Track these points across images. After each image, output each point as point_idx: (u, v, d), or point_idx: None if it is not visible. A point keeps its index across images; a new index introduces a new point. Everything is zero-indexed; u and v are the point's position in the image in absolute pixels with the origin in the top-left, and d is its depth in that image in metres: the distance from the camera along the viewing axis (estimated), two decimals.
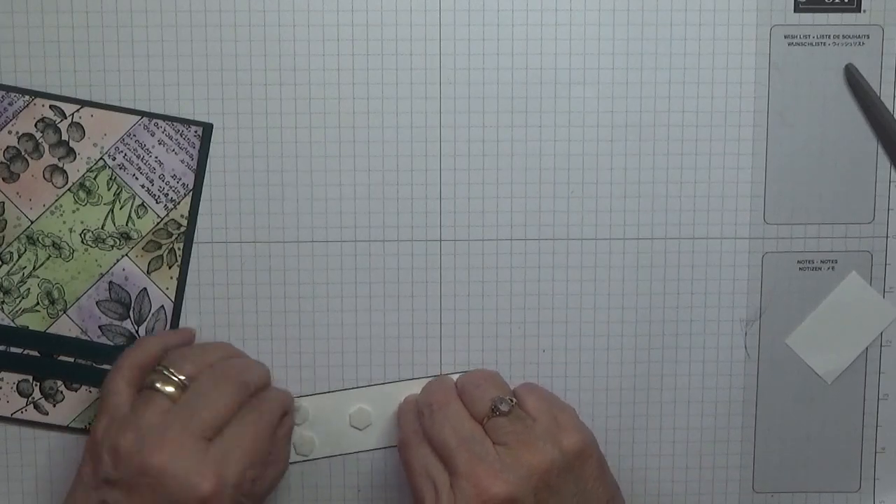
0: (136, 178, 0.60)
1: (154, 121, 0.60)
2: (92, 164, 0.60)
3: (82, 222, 0.61)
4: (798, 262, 0.62)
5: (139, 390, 0.56)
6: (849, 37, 0.60)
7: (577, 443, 0.55)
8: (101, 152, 0.60)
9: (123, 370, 0.57)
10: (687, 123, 0.61)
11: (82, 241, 0.61)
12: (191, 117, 0.60)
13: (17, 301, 0.61)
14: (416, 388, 0.62)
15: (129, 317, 0.61)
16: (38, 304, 0.61)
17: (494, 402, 0.56)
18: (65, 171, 0.60)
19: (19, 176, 0.60)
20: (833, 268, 0.62)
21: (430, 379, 0.62)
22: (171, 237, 0.61)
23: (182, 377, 0.55)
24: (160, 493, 0.52)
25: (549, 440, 0.55)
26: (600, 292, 0.62)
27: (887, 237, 0.62)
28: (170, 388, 0.55)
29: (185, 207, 0.61)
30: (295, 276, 0.61)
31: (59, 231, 0.60)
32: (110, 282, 0.61)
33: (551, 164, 0.61)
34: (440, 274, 0.62)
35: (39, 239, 0.60)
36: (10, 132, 0.60)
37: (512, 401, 0.56)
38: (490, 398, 0.56)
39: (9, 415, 0.62)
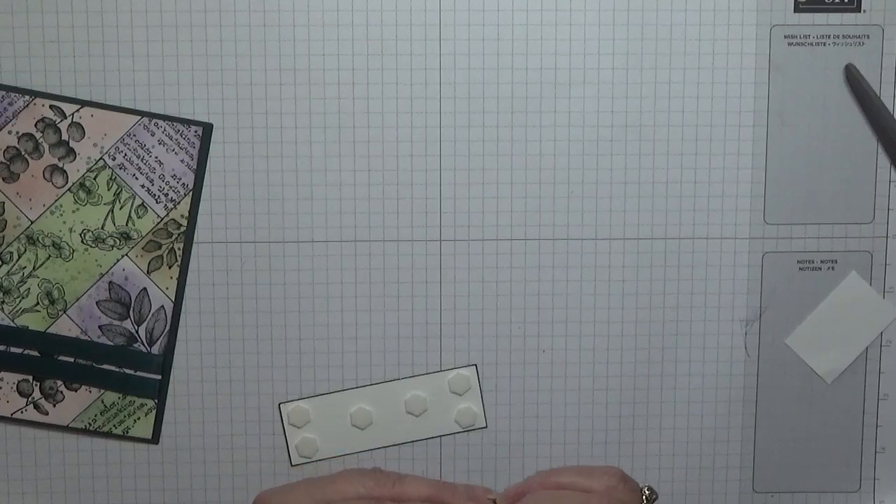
0: (136, 178, 0.60)
1: (154, 121, 0.60)
2: (92, 164, 0.60)
3: (82, 222, 0.61)
4: (798, 262, 0.62)
5: None
6: (849, 37, 0.60)
7: None
8: (101, 152, 0.60)
9: None
10: (687, 123, 0.61)
11: (82, 241, 0.61)
12: (191, 117, 0.60)
13: (17, 301, 0.61)
14: (416, 387, 0.62)
15: (129, 317, 0.61)
16: (38, 304, 0.61)
17: None
18: (65, 171, 0.60)
19: (19, 176, 0.60)
20: (833, 268, 0.62)
21: (429, 377, 0.62)
22: (171, 237, 0.61)
23: None
24: None
25: None
26: (600, 292, 0.62)
27: (887, 237, 0.62)
28: None
29: (185, 207, 0.61)
30: (295, 276, 0.61)
31: (59, 231, 0.60)
32: (110, 282, 0.61)
33: (551, 164, 0.61)
34: (440, 274, 0.62)
35: (39, 239, 0.60)
36: (10, 132, 0.60)
37: None
38: None
39: (9, 415, 0.62)
